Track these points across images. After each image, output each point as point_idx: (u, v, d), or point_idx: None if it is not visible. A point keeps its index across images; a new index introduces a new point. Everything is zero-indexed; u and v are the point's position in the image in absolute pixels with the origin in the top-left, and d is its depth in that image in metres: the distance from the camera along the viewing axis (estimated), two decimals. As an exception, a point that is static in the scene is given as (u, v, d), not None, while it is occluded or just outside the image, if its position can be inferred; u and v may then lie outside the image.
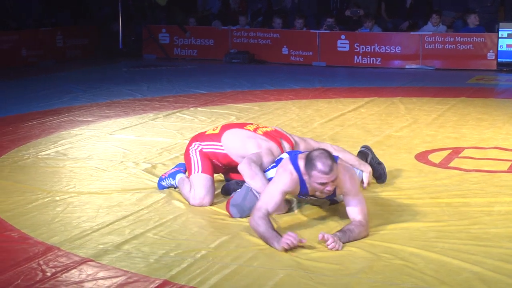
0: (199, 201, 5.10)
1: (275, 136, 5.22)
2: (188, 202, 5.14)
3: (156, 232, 4.60)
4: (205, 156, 5.24)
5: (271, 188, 4.51)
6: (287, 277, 3.91)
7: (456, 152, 6.76)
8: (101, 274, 3.98)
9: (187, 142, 5.62)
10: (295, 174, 4.49)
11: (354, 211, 4.48)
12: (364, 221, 4.46)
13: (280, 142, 5.18)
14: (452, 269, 3.98)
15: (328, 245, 4.22)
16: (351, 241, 4.32)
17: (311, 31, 14.17)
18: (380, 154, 6.63)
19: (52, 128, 7.89)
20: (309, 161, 4.38)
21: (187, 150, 5.34)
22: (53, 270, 4.00)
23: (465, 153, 6.73)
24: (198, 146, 5.28)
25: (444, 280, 3.84)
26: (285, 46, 14.19)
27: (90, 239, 4.50)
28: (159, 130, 7.73)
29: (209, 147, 5.25)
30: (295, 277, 3.91)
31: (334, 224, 4.72)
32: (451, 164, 6.33)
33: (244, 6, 15.92)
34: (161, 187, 5.50)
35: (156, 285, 3.81)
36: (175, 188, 5.43)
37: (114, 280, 3.90)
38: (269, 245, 4.27)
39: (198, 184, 5.13)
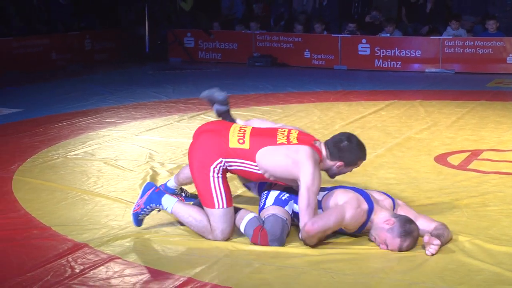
0: (227, 237, 4.42)
1: (308, 140, 4.45)
2: (203, 236, 4.45)
3: (182, 231, 4.61)
4: (226, 178, 4.43)
5: (333, 224, 4.22)
6: (308, 275, 3.91)
7: (475, 154, 6.72)
8: (127, 271, 4.00)
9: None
10: (364, 217, 4.30)
11: (425, 224, 4.37)
12: (442, 224, 4.39)
13: (314, 144, 4.43)
14: (472, 269, 3.95)
15: (432, 251, 4.13)
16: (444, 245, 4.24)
17: (333, 35, 14.14)
18: (400, 156, 6.63)
19: (80, 129, 7.94)
20: (408, 231, 4.18)
21: (206, 166, 4.35)
22: (82, 267, 4.03)
23: (484, 155, 6.69)
24: (223, 164, 4.36)
25: (463, 280, 3.82)
26: (307, 50, 14.17)
27: (117, 237, 4.52)
28: (184, 132, 7.74)
29: (239, 165, 4.38)
30: (316, 276, 3.91)
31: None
32: (470, 166, 6.29)
33: (267, 11, 15.93)
34: (137, 222, 4.57)
35: (181, 282, 3.82)
36: (158, 211, 4.67)
37: (140, 277, 3.92)
38: None
39: (224, 220, 4.37)
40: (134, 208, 4.57)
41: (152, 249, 4.35)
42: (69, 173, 6.13)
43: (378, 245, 4.27)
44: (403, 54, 13.52)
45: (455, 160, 6.52)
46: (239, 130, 4.48)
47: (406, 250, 4.20)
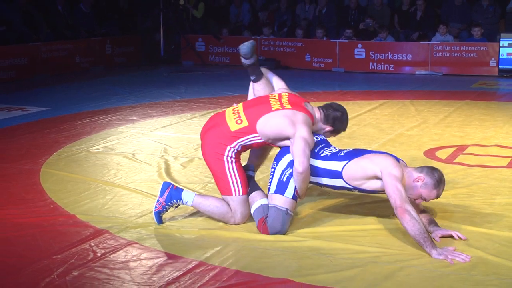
0: (246, 219, 4.47)
1: (299, 102, 4.52)
2: (224, 221, 4.48)
3: (194, 219, 4.62)
4: (239, 159, 4.46)
5: (398, 185, 4.05)
6: (309, 259, 3.92)
7: (461, 149, 6.71)
8: (144, 255, 4.01)
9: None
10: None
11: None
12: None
13: (306, 107, 4.51)
14: (457, 253, 3.95)
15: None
16: None
17: (331, 40, 14.12)
18: (393, 151, 6.59)
19: (101, 126, 7.94)
20: (439, 180, 4.18)
21: (218, 156, 4.40)
22: (103, 251, 4.04)
23: (469, 150, 6.68)
24: (233, 150, 4.40)
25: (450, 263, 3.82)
26: (307, 54, 14.15)
27: (135, 224, 4.53)
28: (196, 128, 7.73)
29: (246, 141, 4.41)
30: (317, 259, 3.91)
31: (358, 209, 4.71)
32: (456, 160, 6.28)
33: (271, 18, 15.90)
34: (159, 220, 4.51)
35: (193, 265, 3.83)
36: (176, 207, 4.58)
37: (156, 260, 3.93)
38: (422, 244, 3.91)
39: (243, 205, 4.43)
40: (155, 207, 4.49)
41: (167, 235, 4.36)
42: (91, 166, 6.14)
43: (414, 200, 4.22)
44: (395, 57, 13.50)
45: (442, 154, 6.51)
46: (233, 113, 4.52)
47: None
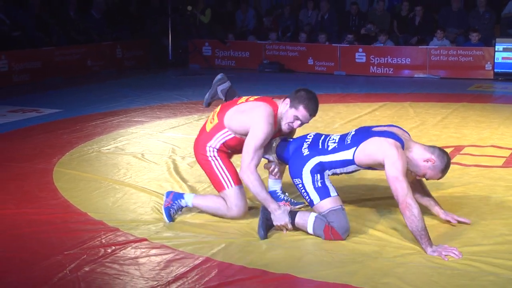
0: (243, 212, 4.47)
1: (266, 98, 4.55)
2: (222, 217, 4.51)
3: (201, 217, 4.62)
4: (225, 157, 4.50)
5: (400, 177, 3.96)
6: (312, 255, 3.92)
7: (457, 149, 6.70)
8: (153, 252, 4.01)
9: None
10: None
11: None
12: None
13: (273, 101, 4.50)
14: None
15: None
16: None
17: (333, 44, 14.10)
18: (392, 151, 6.60)
19: (112, 127, 7.95)
20: (447, 165, 4.12)
21: (204, 157, 4.49)
22: (113, 248, 4.05)
23: (466, 150, 6.67)
24: (213, 149, 4.47)
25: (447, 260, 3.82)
26: (310, 58, 14.13)
27: (144, 222, 4.53)
28: (203, 129, 7.73)
29: (220, 138, 4.43)
30: (319, 256, 3.91)
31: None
32: (454, 160, 6.26)
33: (275, 24, 15.90)
34: (169, 218, 4.54)
35: (200, 261, 3.84)
36: (181, 209, 4.63)
37: (164, 256, 3.93)
38: (418, 240, 3.92)
39: (236, 197, 4.43)
40: (164, 204, 4.59)
41: (175, 232, 4.35)
42: (102, 166, 6.15)
43: (415, 177, 4.20)
44: (394, 61, 13.48)
45: (440, 154, 6.49)
46: (212, 115, 4.59)
47: None
